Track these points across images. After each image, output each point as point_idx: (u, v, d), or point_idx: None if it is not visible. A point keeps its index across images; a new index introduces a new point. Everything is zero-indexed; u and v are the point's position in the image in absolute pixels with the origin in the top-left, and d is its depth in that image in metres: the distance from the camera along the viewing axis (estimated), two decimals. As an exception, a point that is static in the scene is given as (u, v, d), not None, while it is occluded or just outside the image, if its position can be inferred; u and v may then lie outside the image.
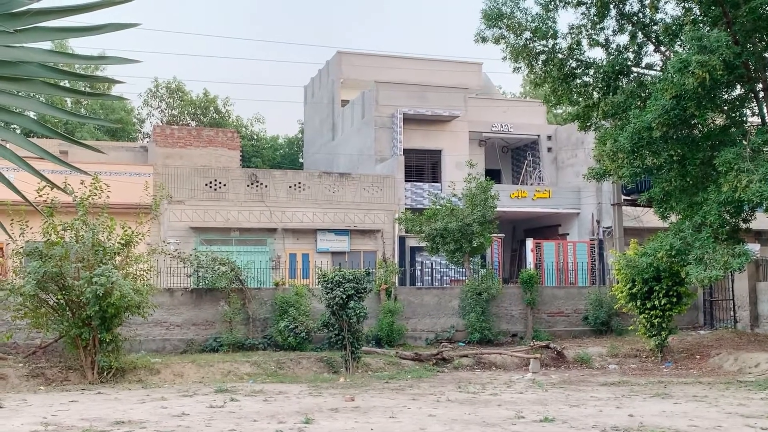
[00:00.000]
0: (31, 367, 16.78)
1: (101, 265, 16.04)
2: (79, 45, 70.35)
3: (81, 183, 17.23)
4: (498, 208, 25.24)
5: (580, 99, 21.50)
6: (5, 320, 17.32)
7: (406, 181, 30.64)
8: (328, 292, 18.01)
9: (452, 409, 12.17)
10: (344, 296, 17.81)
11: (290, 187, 28.82)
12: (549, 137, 35.51)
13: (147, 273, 17.81)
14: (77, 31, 2.47)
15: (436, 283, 28.53)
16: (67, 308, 16.38)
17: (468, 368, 19.62)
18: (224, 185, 28.01)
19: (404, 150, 31.20)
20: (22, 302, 16.13)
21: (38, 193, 16.33)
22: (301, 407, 12.38)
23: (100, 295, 15.46)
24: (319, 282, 18.89)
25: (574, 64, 21.03)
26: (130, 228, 17.27)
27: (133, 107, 53.62)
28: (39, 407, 12.49)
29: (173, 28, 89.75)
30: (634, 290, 19.68)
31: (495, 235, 26.29)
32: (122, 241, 17.14)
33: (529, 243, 30.50)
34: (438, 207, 24.44)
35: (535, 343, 21.07)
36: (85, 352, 16.50)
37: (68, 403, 13.03)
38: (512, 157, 38.09)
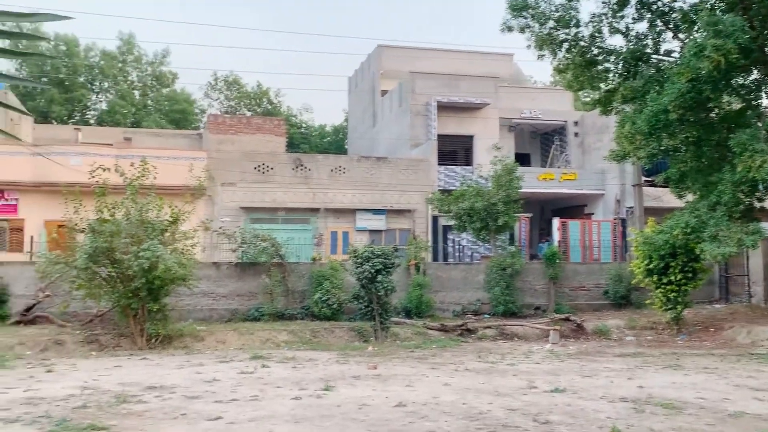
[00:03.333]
0: (87, 333, 16.71)
1: (149, 240, 15.84)
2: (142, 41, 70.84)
3: (131, 165, 17.07)
4: (526, 190, 24.47)
5: (602, 84, 20.57)
6: (64, 290, 17.24)
7: (439, 164, 29.89)
8: (358, 267, 17.55)
9: (468, 379, 11.62)
10: (373, 271, 17.33)
11: (332, 170, 28.40)
12: (576, 123, 34.49)
13: (193, 248, 17.55)
14: (7, 15, 2.57)
15: (467, 260, 27.86)
16: (118, 280, 16.20)
17: (491, 339, 18.99)
18: (271, 168, 27.71)
19: (438, 135, 30.48)
20: (77, 274, 16.02)
21: (91, 174, 16.21)
22: (326, 374, 11.97)
23: (146, 268, 15.28)
24: (350, 258, 18.42)
25: (595, 51, 20.04)
26: (177, 207, 17.04)
27: (194, 99, 53.89)
28: (85, 372, 12.30)
29: (230, 24, 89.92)
30: (651, 266, 18.79)
31: (521, 214, 25.48)
32: (170, 219, 16.92)
33: (556, 222, 29.64)
34: (465, 188, 23.72)
35: (556, 315, 20.35)
36: (134, 321, 16.35)
37: (112, 368, 12.82)
38: (541, 142, 37.05)
